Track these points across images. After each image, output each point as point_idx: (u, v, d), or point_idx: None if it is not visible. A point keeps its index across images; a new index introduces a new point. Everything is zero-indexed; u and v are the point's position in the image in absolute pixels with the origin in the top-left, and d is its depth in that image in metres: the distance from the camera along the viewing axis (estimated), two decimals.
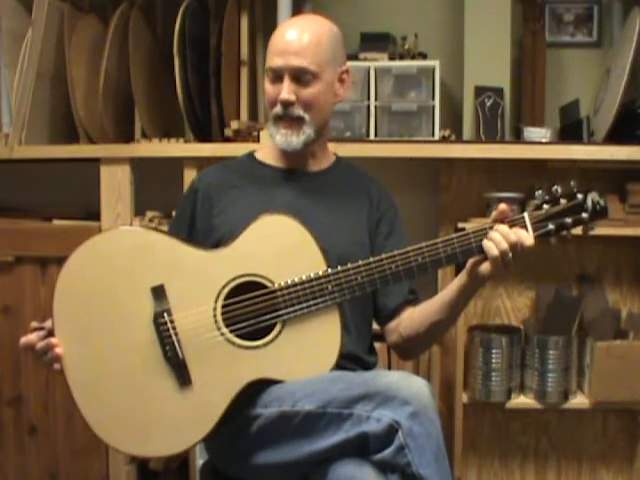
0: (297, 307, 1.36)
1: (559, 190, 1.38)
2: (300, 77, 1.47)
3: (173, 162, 2.12)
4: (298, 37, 1.48)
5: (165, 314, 1.37)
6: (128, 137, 2.29)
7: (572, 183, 1.38)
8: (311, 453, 1.30)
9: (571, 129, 2.31)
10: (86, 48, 2.27)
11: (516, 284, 2.35)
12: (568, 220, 1.37)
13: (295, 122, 1.49)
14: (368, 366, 1.53)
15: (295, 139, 1.50)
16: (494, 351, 2.17)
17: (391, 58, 2.35)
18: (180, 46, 2.15)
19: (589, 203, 1.37)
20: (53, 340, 1.37)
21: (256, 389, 1.37)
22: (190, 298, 1.38)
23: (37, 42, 2.19)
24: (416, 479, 1.22)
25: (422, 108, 2.28)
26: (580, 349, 2.22)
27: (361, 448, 1.26)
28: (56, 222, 2.23)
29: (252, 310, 1.37)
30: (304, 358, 1.37)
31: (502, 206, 1.38)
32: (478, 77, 2.32)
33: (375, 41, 2.36)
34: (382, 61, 2.32)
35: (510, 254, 1.34)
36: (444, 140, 2.24)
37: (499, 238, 1.35)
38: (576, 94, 2.37)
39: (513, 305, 2.36)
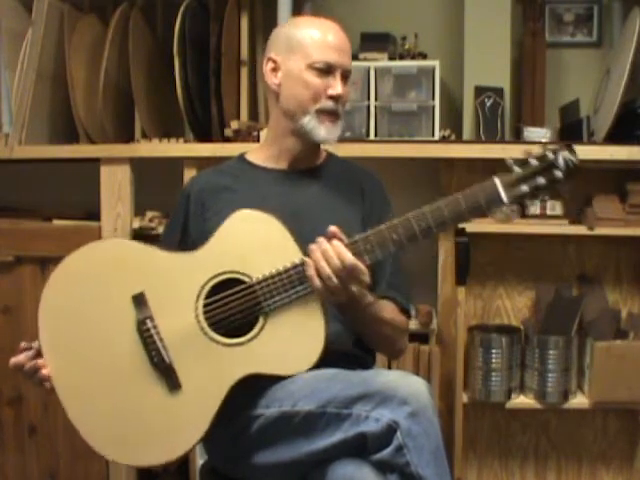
0: (277, 298, 1.35)
1: (530, 153, 1.33)
2: (346, 76, 1.53)
3: (173, 162, 2.12)
4: (344, 40, 1.54)
5: (148, 320, 1.37)
6: (128, 137, 2.29)
7: (542, 145, 1.35)
8: (310, 453, 1.30)
9: (571, 129, 2.31)
10: (86, 48, 2.27)
11: (516, 284, 2.35)
12: (542, 180, 1.31)
13: (337, 117, 1.53)
14: (365, 363, 1.53)
15: (337, 132, 1.54)
16: (494, 351, 2.17)
17: (391, 58, 2.35)
18: (180, 46, 2.15)
19: (561, 161, 1.31)
20: (40, 361, 1.39)
21: (256, 389, 1.37)
22: (171, 302, 1.38)
23: (37, 42, 2.19)
24: (415, 479, 1.22)
25: (422, 108, 2.28)
26: (580, 349, 2.22)
27: (360, 448, 1.26)
28: (56, 222, 2.23)
29: (233, 307, 1.36)
30: (291, 348, 1.36)
31: (332, 229, 1.33)
32: (478, 77, 2.33)
33: (375, 41, 2.36)
34: (382, 61, 2.32)
35: (334, 278, 1.30)
36: (444, 140, 2.24)
37: (317, 256, 1.31)
38: (576, 94, 2.37)
39: (513, 305, 2.36)
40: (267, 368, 1.35)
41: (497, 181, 1.31)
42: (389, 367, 2.17)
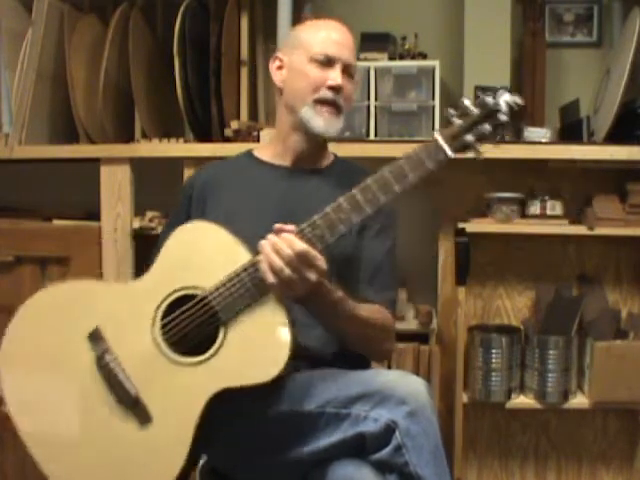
0: (233, 305, 1.30)
1: (466, 102, 1.29)
2: (347, 70, 1.53)
3: (173, 162, 2.12)
4: (347, 36, 1.56)
5: (106, 355, 1.33)
6: (128, 137, 2.29)
7: (480, 92, 1.34)
8: (309, 453, 1.30)
9: (571, 129, 2.31)
10: (86, 48, 2.27)
11: (516, 284, 2.35)
12: (487, 126, 1.27)
13: (338, 109, 1.52)
14: (363, 363, 1.51)
15: (336, 125, 1.53)
16: (494, 351, 2.17)
17: (391, 58, 2.35)
18: (180, 46, 2.15)
19: (502, 103, 1.27)
20: None
21: (254, 391, 1.37)
22: (127, 331, 1.34)
23: (37, 42, 2.19)
24: (414, 479, 1.22)
25: (422, 108, 2.28)
26: (580, 349, 2.22)
27: (359, 448, 1.26)
28: (56, 222, 2.22)
29: (190, 323, 1.33)
30: (256, 355, 1.31)
31: (276, 225, 1.30)
32: (478, 77, 2.32)
33: (375, 41, 2.36)
34: (382, 61, 2.32)
35: (287, 269, 1.25)
36: None
37: (267, 250, 1.27)
38: (576, 94, 2.37)
39: (513, 305, 2.36)
40: (235, 381, 1.29)
41: (438, 136, 1.29)
42: (389, 367, 2.17)
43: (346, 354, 1.48)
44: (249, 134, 2.17)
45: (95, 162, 2.18)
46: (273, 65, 1.60)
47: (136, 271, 2.16)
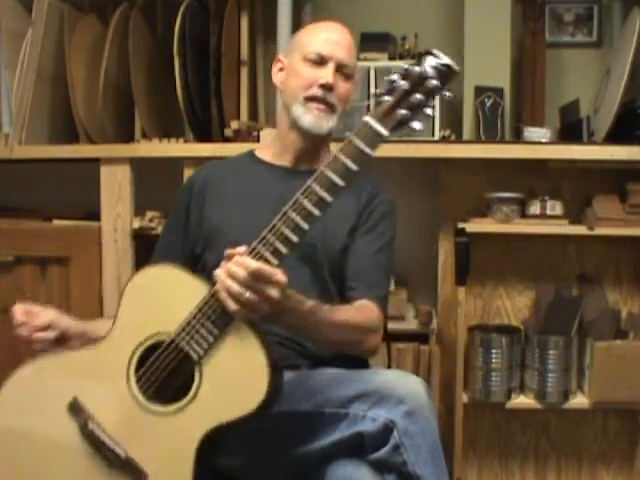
0: (202, 342, 1.26)
1: (393, 76, 1.23)
2: (342, 70, 1.52)
3: (173, 162, 2.12)
4: (344, 36, 1.56)
5: (89, 422, 1.31)
6: (128, 137, 2.29)
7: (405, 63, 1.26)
8: (307, 453, 1.30)
9: (571, 129, 2.31)
10: (86, 48, 2.27)
11: (516, 284, 2.35)
12: (419, 96, 1.21)
13: (329, 107, 1.51)
14: (361, 362, 1.51)
15: (325, 123, 1.51)
16: (494, 351, 2.17)
17: (391, 58, 2.35)
18: (180, 46, 2.15)
19: (428, 69, 1.21)
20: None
21: None
22: (104, 394, 1.32)
23: (37, 42, 2.19)
24: (412, 478, 1.21)
25: None
26: (580, 349, 2.22)
27: (358, 448, 1.26)
28: (56, 222, 2.23)
29: (163, 371, 1.29)
30: (236, 387, 1.26)
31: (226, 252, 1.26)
32: (478, 77, 2.32)
33: (375, 41, 2.36)
34: (382, 61, 2.31)
35: (246, 292, 1.20)
36: (444, 140, 2.24)
37: (222, 277, 1.22)
38: (576, 94, 2.37)
39: (513, 305, 2.36)
40: (220, 418, 1.25)
41: (368, 119, 1.23)
42: (388, 367, 2.17)
43: (344, 355, 1.47)
44: (249, 134, 2.17)
45: (95, 162, 2.18)
46: (275, 68, 1.62)
47: (136, 271, 2.17)
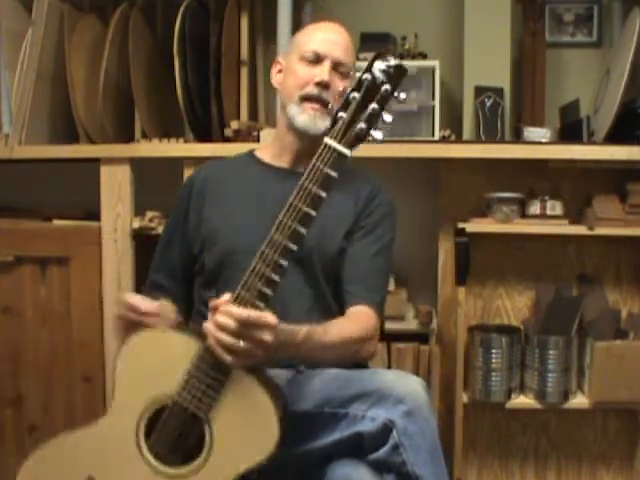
0: (204, 399, 1.24)
1: (345, 89, 1.21)
2: (339, 68, 1.52)
3: (173, 162, 2.12)
4: (341, 35, 1.56)
5: None
6: (128, 137, 2.29)
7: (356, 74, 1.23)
8: (307, 453, 1.30)
9: (571, 129, 2.31)
10: (86, 48, 2.27)
11: (516, 284, 2.35)
12: (375, 106, 1.19)
13: (324, 106, 1.50)
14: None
15: (321, 122, 1.50)
16: (494, 351, 2.17)
17: None
18: (180, 46, 2.15)
19: (379, 74, 1.19)
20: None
21: None
22: (119, 467, 1.30)
23: (37, 42, 2.19)
24: (411, 478, 1.21)
25: (422, 108, 2.28)
26: (580, 349, 2.22)
27: (357, 448, 1.26)
28: (56, 222, 2.22)
29: (172, 434, 1.27)
30: (248, 436, 1.25)
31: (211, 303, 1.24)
32: (478, 77, 2.32)
33: (375, 41, 2.36)
34: None
35: (239, 342, 1.19)
36: (444, 140, 2.24)
37: (212, 331, 1.21)
38: (576, 94, 2.37)
39: (513, 305, 2.36)
40: (238, 469, 1.24)
41: (328, 140, 1.22)
42: (388, 367, 2.17)
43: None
44: (249, 134, 2.17)
45: (95, 162, 2.18)
46: (274, 70, 1.63)
47: (136, 271, 2.17)
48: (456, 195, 2.29)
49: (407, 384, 1.26)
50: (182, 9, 2.16)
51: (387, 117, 1.21)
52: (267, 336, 1.20)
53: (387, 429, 1.22)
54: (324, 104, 1.50)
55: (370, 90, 1.20)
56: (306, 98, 1.51)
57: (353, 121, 1.21)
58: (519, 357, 2.22)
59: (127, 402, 1.31)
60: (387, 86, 1.20)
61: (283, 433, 1.22)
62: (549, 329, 2.20)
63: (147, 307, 1.35)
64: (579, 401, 2.21)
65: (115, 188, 2.17)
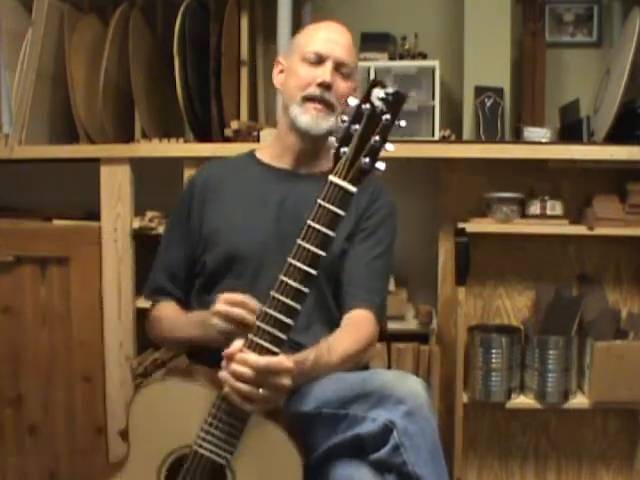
0: (225, 446, 1.23)
1: (344, 120, 1.19)
2: (341, 69, 1.52)
3: (173, 162, 2.12)
4: (342, 36, 1.56)
5: None
6: (128, 137, 2.29)
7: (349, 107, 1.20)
8: (308, 454, 1.29)
9: (571, 129, 2.31)
10: (86, 48, 2.27)
11: (516, 284, 2.35)
12: (376, 138, 1.18)
13: (327, 106, 1.50)
14: None
15: (323, 122, 1.50)
16: (494, 351, 2.17)
17: (391, 58, 2.35)
18: (180, 46, 2.15)
19: (378, 104, 1.17)
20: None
21: None
22: None
23: (37, 42, 2.19)
24: (412, 478, 1.21)
25: (422, 108, 2.28)
26: (580, 349, 2.22)
27: (358, 448, 1.26)
28: (56, 222, 2.22)
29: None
30: (272, 476, 1.26)
31: (225, 352, 1.22)
32: (478, 77, 2.33)
33: (375, 41, 2.36)
34: (382, 61, 2.32)
35: (258, 390, 1.19)
36: (444, 140, 2.24)
37: (230, 381, 1.20)
38: (576, 94, 2.37)
39: (513, 305, 2.36)
40: None
41: (333, 179, 1.20)
42: (389, 367, 2.17)
43: None
44: (249, 134, 2.17)
45: (95, 162, 2.18)
46: (275, 70, 1.63)
47: (136, 271, 2.17)
48: (456, 195, 2.29)
49: (407, 384, 1.26)
50: (182, 9, 2.16)
51: (389, 147, 1.21)
52: (285, 380, 1.21)
53: (388, 429, 1.22)
54: (327, 104, 1.50)
55: (371, 121, 1.19)
56: (308, 99, 1.51)
57: (356, 156, 1.20)
58: (519, 357, 2.22)
59: (144, 457, 1.30)
60: (387, 115, 1.18)
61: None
62: (549, 329, 2.20)
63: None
64: (579, 401, 2.21)
65: (115, 188, 2.17)
